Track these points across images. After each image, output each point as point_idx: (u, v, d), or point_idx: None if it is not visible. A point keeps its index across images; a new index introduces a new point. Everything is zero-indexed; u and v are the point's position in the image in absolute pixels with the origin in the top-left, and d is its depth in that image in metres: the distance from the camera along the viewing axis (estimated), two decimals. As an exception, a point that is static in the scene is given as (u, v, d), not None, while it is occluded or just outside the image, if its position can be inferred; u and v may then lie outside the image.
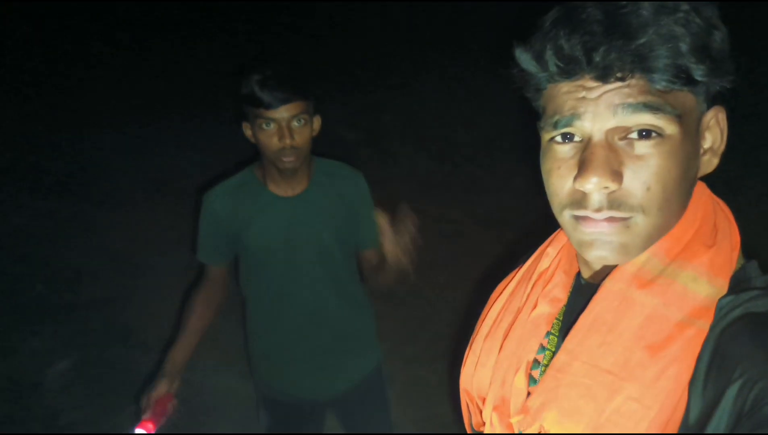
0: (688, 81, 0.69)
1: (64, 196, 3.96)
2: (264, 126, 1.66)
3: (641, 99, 0.69)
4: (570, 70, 0.72)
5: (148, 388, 1.68)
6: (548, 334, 0.87)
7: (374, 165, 4.29)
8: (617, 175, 0.70)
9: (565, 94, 0.73)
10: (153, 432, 1.49)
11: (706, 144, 0.76)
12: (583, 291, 0.85)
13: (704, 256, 0.74)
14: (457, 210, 3.90)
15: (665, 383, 0.69)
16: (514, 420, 0.82)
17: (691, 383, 0.68)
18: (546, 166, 0.77)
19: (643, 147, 0.70)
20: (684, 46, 0.68)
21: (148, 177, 4.08)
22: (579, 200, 0.73)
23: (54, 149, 4.33)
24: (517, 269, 0.98)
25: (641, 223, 0.72)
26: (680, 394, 0.69)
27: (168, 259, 3.42)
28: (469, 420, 1.00)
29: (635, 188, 0.71)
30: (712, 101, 0.74)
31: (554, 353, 0.85)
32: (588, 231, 0.74)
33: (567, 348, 0.76)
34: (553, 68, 0.73)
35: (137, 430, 1.44)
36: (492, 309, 0.96)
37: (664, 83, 0.69)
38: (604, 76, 0.70)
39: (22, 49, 5.06)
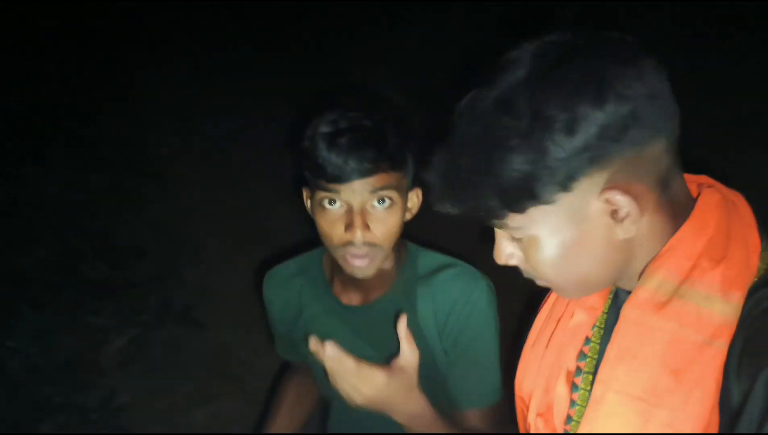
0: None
1: (111, 168, 3.95)
2: (326, 204, 1.11)
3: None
4: None
5: None
6: (588, 340, 0.89)
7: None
8: None
9: None
10: None
11: None
12: (620, 299, 0.86)
13: (714, 271, 0.73)
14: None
15: (693, 407, 0.70)
16: None
17: (725, 376, 0.70)
18: None
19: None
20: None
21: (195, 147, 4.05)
22: None
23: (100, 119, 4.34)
24: None
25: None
26: (708, 415, 0.70)
27: (221, 231, 3.41)
28: (524, 425, 1.01)
29: None
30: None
31: (597, 361, 0.87)
32: None
33: (600, 378, 0.77)
34: None
35: None
36: (538, 317, 0.99)
37: None
38: None
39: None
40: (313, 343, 1.02)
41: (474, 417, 1.22)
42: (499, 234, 0.81)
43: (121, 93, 4.41)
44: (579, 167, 0.69)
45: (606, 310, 0.90)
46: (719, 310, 0.71)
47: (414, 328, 1.15)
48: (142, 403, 2.56)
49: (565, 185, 0.70)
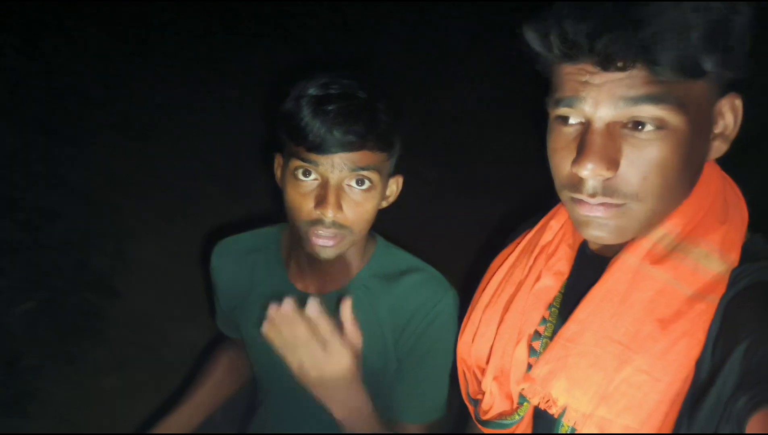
0: (695, 72, 0.68)
1: (25, 131, 3.80)
2: (300, 174, 1.01)
3: (642, 91, 0.68)
4: (572, 54, 0.71)
5: None
6: (550, 306, 0.90)
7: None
8: (613, 163, 0.71)
9: (569, 75, 0.73)
10: None
11: (718, 129, 0.75)
12: (588, 263, 0.88)
13: (717, 233, 0.75)
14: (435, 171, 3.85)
15: (675, 357, 0.71)
16: (520, 387, 0.85)
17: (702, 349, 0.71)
18: (549, 145, 0.78)
19: (643, 136, 0.70)
20: (696, 36, 0.66)
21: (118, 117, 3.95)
22: (575, 184, 0.75)
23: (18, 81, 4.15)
24: (517, 240, 1.00)
25: (636, 209, 0.74)
26: (691, 367, 0.71)
27: (142, 201, 3.34)
28: (466, 388, 1.02)
29: (631, 177, 0.72)
30: (728, 87, 0.73)
31: (555, 325, 0.88)
32: (583, 213, 0.76)
33: (578, 318, 0.78)
34: (556, 51, 0.72)
35: None
36: (492, 280, 0.98)
37: (668, 75, 0.67)
38: (605, 64, 0.69)
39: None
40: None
41: (413, 432, 1.17)
42: (600, 134, 0.71)
43: (44, 58, 4.23)
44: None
45: (569, 276, 0.91)
46: (715, 268, 0.73)
47: (373, 327, 1.10)
48: (51, 368, 2.49)
49: (728, 61, 0.69)
